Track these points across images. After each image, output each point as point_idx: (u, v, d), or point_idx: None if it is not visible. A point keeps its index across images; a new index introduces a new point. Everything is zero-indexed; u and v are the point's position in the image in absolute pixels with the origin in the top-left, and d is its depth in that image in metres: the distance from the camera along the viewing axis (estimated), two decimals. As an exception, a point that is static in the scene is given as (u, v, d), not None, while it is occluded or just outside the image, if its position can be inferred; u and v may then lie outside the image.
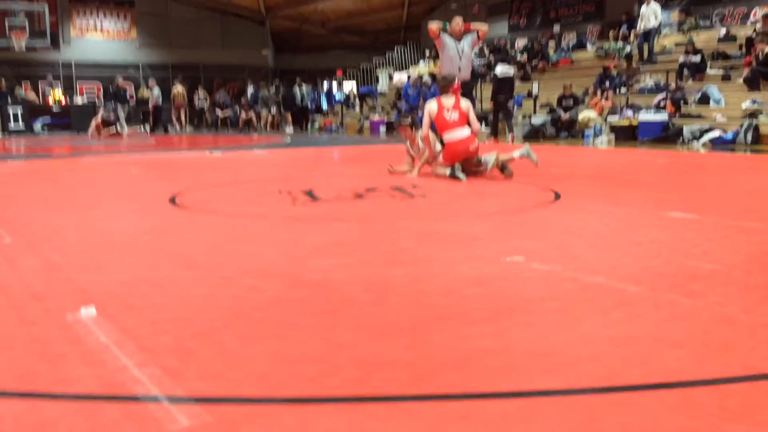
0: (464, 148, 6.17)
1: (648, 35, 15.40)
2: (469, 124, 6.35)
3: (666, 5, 17.65)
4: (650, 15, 15.41)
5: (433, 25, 7.51)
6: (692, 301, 2.34)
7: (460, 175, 6.10)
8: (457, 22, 7.67)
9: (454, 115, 6.24)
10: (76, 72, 24.73)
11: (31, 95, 21.58)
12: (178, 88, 21.65)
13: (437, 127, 6.36)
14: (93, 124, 18.15)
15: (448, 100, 6.36)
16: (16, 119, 19.65)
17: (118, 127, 18.78)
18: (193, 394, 1.61)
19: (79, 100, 19.62)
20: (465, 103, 6.40)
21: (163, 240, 3.62)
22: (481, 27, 7.84)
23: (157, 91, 21.56)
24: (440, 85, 6.60)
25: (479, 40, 7.74)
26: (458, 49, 7.57)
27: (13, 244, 3.47)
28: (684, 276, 2.69)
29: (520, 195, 5.28)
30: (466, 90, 7.73)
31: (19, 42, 21.39)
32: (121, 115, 20.50)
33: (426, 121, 6.43)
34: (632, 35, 17.71)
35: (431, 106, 6.42)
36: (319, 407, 1.57)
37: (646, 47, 15.34)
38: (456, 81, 6.58)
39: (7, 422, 1.49)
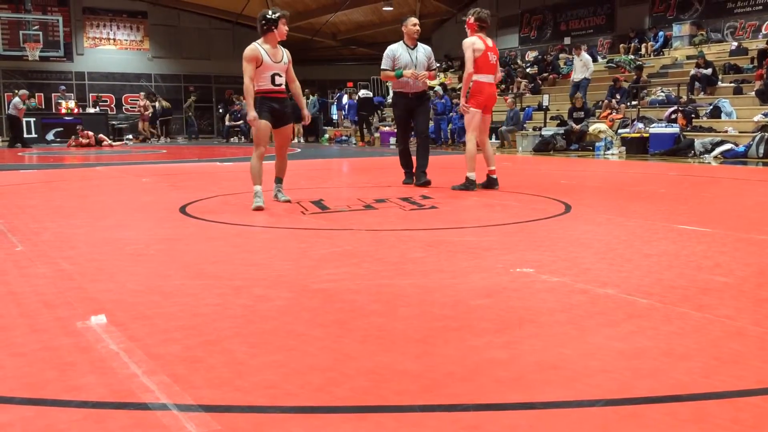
0: (491, 92, 6.29)
1: (578, 86, 15.17)
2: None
3: (677, 18, 17.67)
4: (580, 66, 15.39)
5: (388, 74, 6.76)
6: (703, 314, 2.33)
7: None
8: (413, 21, 6.87)
9: (493, 58, 6.26)
10: (89, 82, 24.99)
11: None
12: (140, 101, 22.17)
13: (477, 65, 6.14)
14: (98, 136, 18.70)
15: (489, 40, 6.33)
16: (29, 129, 19.88)
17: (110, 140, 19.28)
18: (201, 403, 1.61)
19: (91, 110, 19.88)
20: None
21: (174, 249, 3.64)
22: (432, 76, 7.20)
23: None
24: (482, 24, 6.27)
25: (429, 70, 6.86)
26: (412, 58, 6.73)
27: (25, 253, 3.50)
28: (695, 289, 2.67)
29: (530, 206, 5.27)
30: (424, 99, 6.89)
31: (33, 53, 21.63)
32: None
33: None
34: (643, 48, 17.74)
35: (476, 42, 6.18)
36: (327, 417, 1.57)
37: (579, 97, 14.43)
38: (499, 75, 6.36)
39: (17, 429, 1.50)
